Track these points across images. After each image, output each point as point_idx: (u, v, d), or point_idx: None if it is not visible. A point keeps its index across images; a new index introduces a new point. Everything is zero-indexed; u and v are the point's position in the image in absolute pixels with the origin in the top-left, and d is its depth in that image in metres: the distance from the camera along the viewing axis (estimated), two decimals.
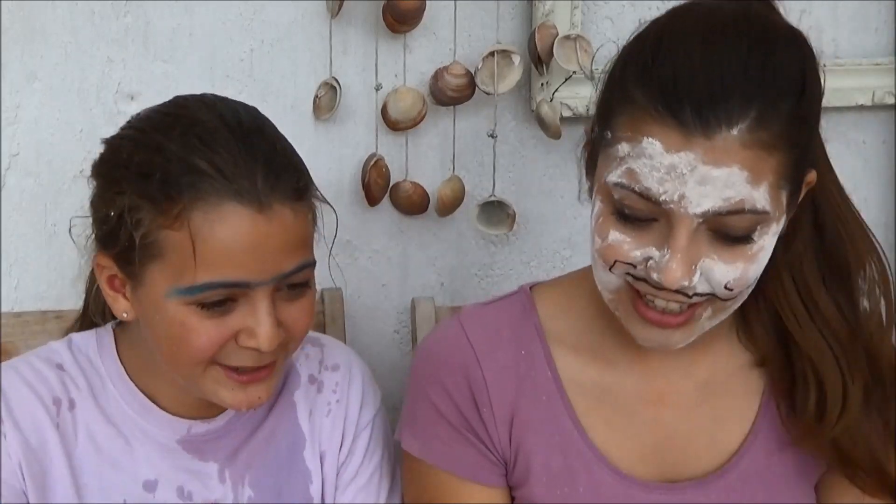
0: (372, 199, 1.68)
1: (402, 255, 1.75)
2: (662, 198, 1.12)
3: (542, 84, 1.68)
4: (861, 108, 1.76)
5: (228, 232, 1.15)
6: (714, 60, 1.13)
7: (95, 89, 1.62)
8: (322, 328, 1.65)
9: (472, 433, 1.29)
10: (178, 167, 1.16)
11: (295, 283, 1.20)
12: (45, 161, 1.63)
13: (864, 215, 1.81)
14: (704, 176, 1.11)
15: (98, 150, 1.62)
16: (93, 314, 1.35)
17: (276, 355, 1.22)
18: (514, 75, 1.66)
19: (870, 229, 1.30)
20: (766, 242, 1.16)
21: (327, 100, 1.66)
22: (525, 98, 1.72)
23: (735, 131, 1.11)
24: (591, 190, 1.23)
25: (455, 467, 1.30)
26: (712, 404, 1.30)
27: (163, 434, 1.28)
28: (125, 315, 1.24)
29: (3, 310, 1.62)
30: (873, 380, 1.26)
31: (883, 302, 1.28)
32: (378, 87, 1.67)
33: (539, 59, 1.65)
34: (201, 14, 1.63)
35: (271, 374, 1.23)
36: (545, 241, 1.79)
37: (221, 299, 1.17)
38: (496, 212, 1.72)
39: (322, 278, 1.68)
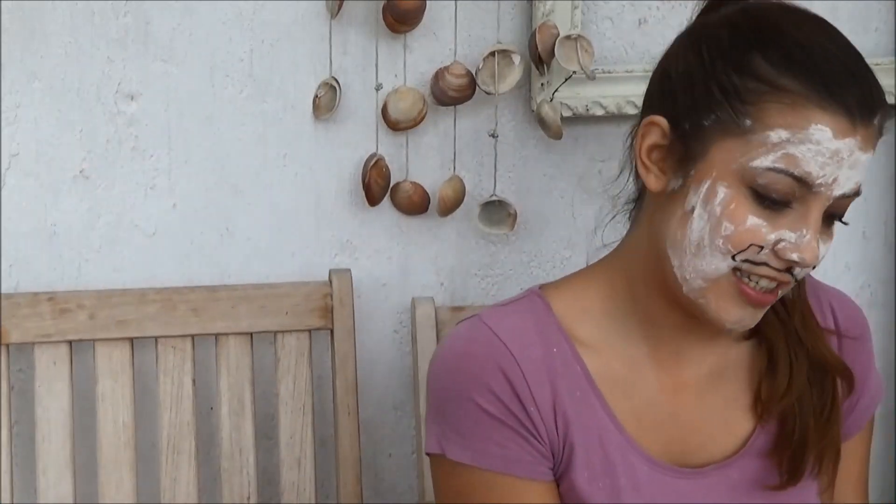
0: (372, 199, 1.68)
1: (402, 255, 1.75)
2: (819, 181, 1.18)
3: (542, 84, 1.68)
4: None
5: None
6: (842, 47, 1.22)
7: (95, 89, 1.62)
8: (330, 311, 1.65)
9: (523, 429, 1.28)
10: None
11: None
12: (45, 161, 1.63)
13: (863, 215, 1.83)
14: (856, 160, 1.18)
15: (97, 149, 1.63)
16: None
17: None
18: (514, 75, 1.66)
19: None
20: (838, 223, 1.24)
21: (327, 100, 1.66)
22: (525, 98, 1.72)
23: (876, 120, 1.20)
24: (678, 181, 1.24)
25: (514, 468, 1.27)
26: (724, 389, 1.33)
27: None
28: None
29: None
30: (811, 363, 1.32)
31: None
32: (378, 87, 1.67)
33: (539, 59, 1.65)
34: (201, 14, 1.63)
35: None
36: (545, 241, 1.79)
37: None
38: (497, 211, 1.71)
39: (324, 272, 1.69)
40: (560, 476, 1.30)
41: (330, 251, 1.72)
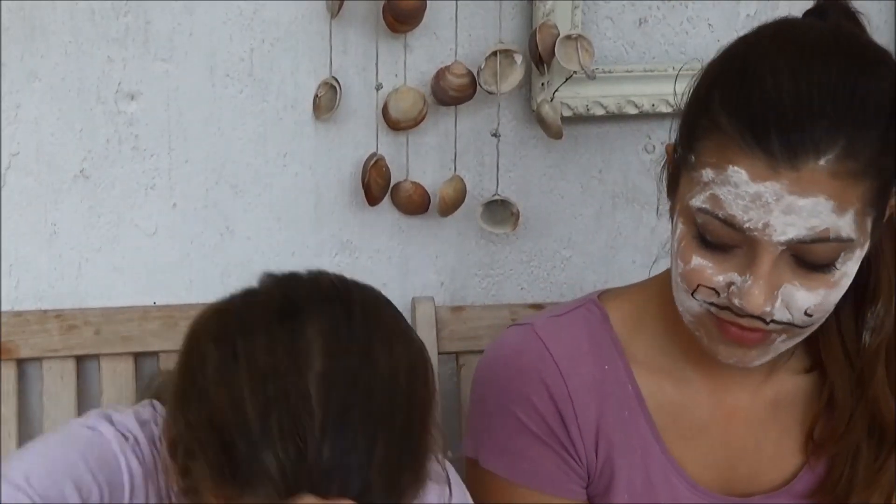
0: (372, 199, 1.68)
1: (403, 254, 1.75)
2: (746, 225, 1.11)
3: (542, 84, 1.68)
4: None
5: None
6: (802, 87, 1.11)
7: (95, 89, 1.62)
8: None
9: (558, 444, 1.26)
10: (244, 450, 0.95)
11: None
12: (45, 161, 1.63)
13: None
14: (790, 205, 1.09)
15: (97, 149, 1.62)
16: None
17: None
18: (515, 75, 1.66)
19: None
20: (848, 269, 1.14)
21: (327, 99, 1.66)
22: (525, 98, 1.72)
23: (823, 161, 1.09)
24: (672, 209, 1.21)
25: (544, 485, 1.27)
26: (779, 420, 1.30)
27: None
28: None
29: (3, 309, 1.62)
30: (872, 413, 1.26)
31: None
32: (378, 87, 1.66)
33: (540, 59, 1.65)
34: (201, 14, 1.63)
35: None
36: (545, 240, 1.78)
37: None
38: (499, 211, 1.71)
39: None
40: (598, 493, 1.28)
41: (330, 251, 1.72)
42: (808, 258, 1.12)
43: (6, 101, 1.60)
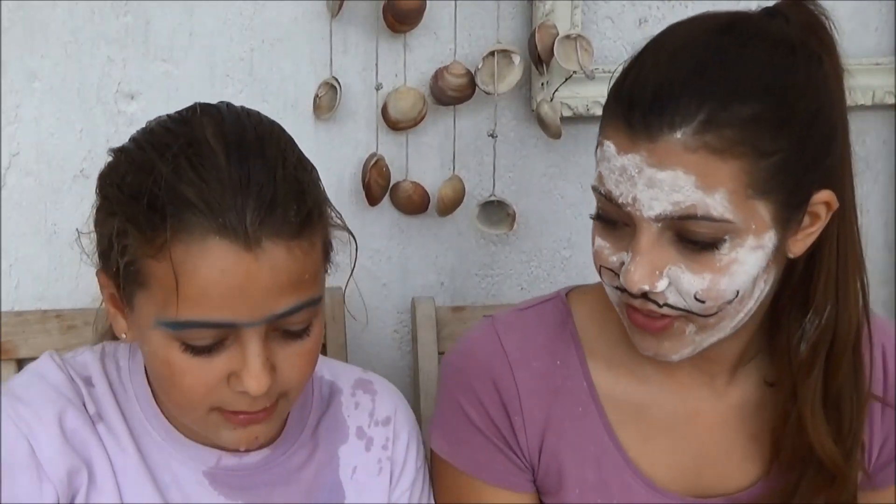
0: (372, 199, 1.68)
1: (402, 254, 1.75)
2: (620, 200, 1.13)
3: (542, 84, 1.68)
4: (861, 108, 1.76)
5: (212, 269, 1.06)
6: (675, 63, 1.13)
7: (95, 89, 1.62)
8: (323, 327, 1.65)
9: (501, 440, 1.29)
10: (165, 194, 1.07)
11: (293, 330, 1.12)
12: (45, 161, 1.63)
13: (863, 215, 1.82)
14: (651, 178, 1.11)
15: (97, 149, 1.63)
16: None
17: (269, 400, 1.13)
18: (514, 75, 1.66)
19: (862, 280, 1.25)
20: (740, 256, 1.13)
21: (327, 99, 1.66)
22: (525, 98, 1.72)
23: (679, 134, 1.10)
24: None
25: (483, 473, 1.29)
26: (748, 425, 1.30)
27: (189, 463, 1.21)
28: (123, 336, 1.17)
29: (3, 310, 1.62)
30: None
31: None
32: (378, 87, 1.67)
33: (539, 59, 1.65)
34: (201, 14, 1.63)
35: (269, 417, 1.15)
36: (545, 240, 1.79)
37: (209, 344, 1.09)
38: (496, 211, 1.71)
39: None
40: (553, 490, 1.30)
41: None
42: (688, 237, 1.13)
43: (6, 101, 1.60)
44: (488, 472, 1.29)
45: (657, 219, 1.12)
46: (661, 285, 1.14)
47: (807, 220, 1.18)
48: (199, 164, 1.08)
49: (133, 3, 1.61)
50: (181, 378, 1.10)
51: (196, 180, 1.07)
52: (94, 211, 1.16)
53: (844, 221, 1.21)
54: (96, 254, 1.17)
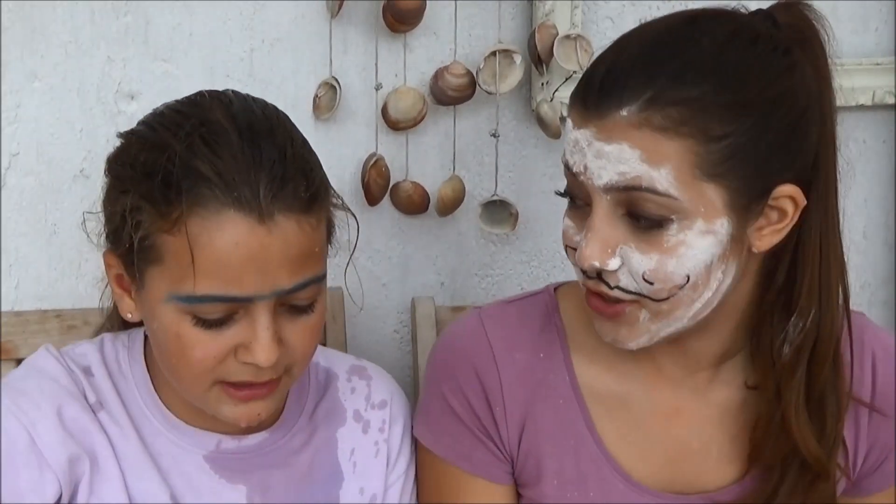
0: (372, 199, 1.68)
1: (402, 255, 1.75)
2: (574, 169, 1.17)
3: (542, 84, 1.68)
4: (861, 108, 1.76)
5: (227, 242, 1.10)
6: (630, 46, 1.17)
7: (95, 89, 1.62)
8: (323, 327, 1.65)
9: (482, 431, 1.30)
10: (180, 170, 1.11)
11: (299, 305, 1.16)
12: (45, 161, 1.63)
13: (863, 215, 1.83)
14: (599, 150, 1.15)
15: (97, 149, 1.63)
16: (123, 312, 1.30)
17: (276, 373, 1.17)
18: (515, 75, 1.66)
19: (843, 286, 1.25)
20: (688, 238, 1.15)
21: (327, 99, 1.66)
22: (525, 98, 1.72)
23: (625, 112, 1.13)
24: None
25: (463, 463, 1.31)
26: (728, 424, 1.30)
27: (189, 448, 1.23)
28: (129, 315, 1.20)
29: (3, 309, 1.62)
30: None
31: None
32: (378, 87, 1.67)
33: (539, 59, 1.65)
34: (201, 14, 1.63)
35: (272, 391, 1.18)
36: (545, 240, 1.79)
37: (220, 317, 1.12)
38: (498, 211, 1.71)
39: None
40: (531, 482, 1.31)
41: (330, 250, 1.71)
42: (638, 212, 1.15)
43: (6, 101, 1.60)
44: (468, 461, 1.31)
45: (606, 189, 1.15)
46: (613, 264, 1.17)
47: (774, 215, 1.18)
48: (213, 140, 1.12)
49: (133, 3, 1.61)
50: (191, 351, 1.13)
51: (210, 156, 1.11)
52: (104, 192, 1.20)
53: (827, 224, 1.21)
54: (103, 235, 1.20)
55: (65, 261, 1.65)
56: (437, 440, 1.32)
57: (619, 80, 1.14)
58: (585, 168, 1.16)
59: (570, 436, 1.29)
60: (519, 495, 1.33)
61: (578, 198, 1.19)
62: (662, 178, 1.13)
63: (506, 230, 1.72)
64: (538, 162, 1.75)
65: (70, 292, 1.65)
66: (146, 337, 1.26)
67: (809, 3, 1.22)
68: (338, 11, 1.62)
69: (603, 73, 1.16)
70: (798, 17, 1.20)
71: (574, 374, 1.30)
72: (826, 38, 1.21)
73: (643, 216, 1.15)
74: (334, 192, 1.22)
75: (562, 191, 1.22)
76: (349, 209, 1.23)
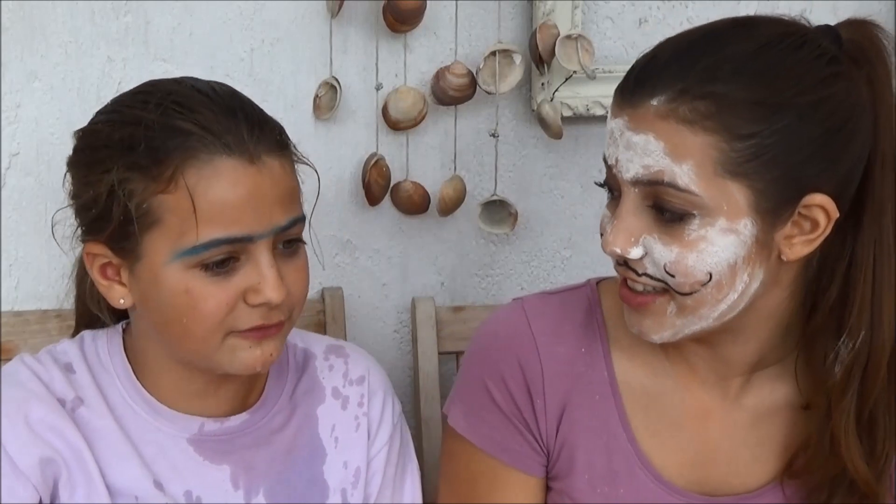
0: (372, 199, 1.68)
1: (403, 254, 1.75)
2: (609, 161, 1.18)
3: (542, 84, 1.68)
4: None
5: (224, 185, 1.16)
6: (675, 41, 1.19)
7: (95, 89, 1.62)
8: (323, 327, 1.66)
9: (521, 422, 1.30)
10: (162, 133, 1.16)
11: (290, 240, 1.21)
12: (45, 161, 1.63)
13: None
14: (629, 141, 1.16)
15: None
16: (94, 309, 1.34)
17: (283, 314, 1.21)
18: (515, 75, 1.66)
19: None
20: (709, 235, 1.15)
21: (327, 99, 1.66)
22: (526, 98, 1.72)
23: (654, 101, 1.14)
24: None
25: (499, 453, 1.30)
26: (759, 428, 1.30)
27: (172, 433, 1.26)
28: (122, 302, 1.23)
29: (3, 309, 1.62)
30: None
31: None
32: (378, 87, 1.67)
33: (540, 59, 1.65)
34: (201, 14, 1.63)
35: (281, 331, 1.22)
36: (545, 240, 1.79)
37: (224, 258, 1.17)
38: (498, 211, 1.71)
39: (322, 277, 1.69)
40: (562, 475, 1.31)
41: (330, 251, 1.72)
42: (662, 205, 1.16)
43: (6, 101, 1.60)
44: (505, 452, 1.30)
45: (633, 182, 1.17)
46: (635, 253, 1.18)
47: (805, 224, 1.17)
48: (185, 102, 1.19)
49: (133, 3, 1.60)
50: (203, 303, 1.17)
51: (189, 114, 1.18)
52: (74, 187, 1.26)
53: (881, 244, 1.20)
54: (78, 232, 1.25)
55: (65, 261, 1.65)
56: (474, 430, 1.31)
57: (656, 71, 1.16)
58: (617, 161, 1.17)
59: (603, 432, 1.29)
60: (548, 487, 1.33)
61: (615, 188, 1.21)
62: (683, 174, 1.14)
63: (506, 230, 1.72)
64: (538, 162, 1.75)
65: (70, 292, 1.65)
66: (124, 330, 1.30)
67: (879, 23, 1.21)
68: (338, 11, 1.62)
69: (643, 64, 1.18)
70: (864, 35, 1.20)
71: (613, 371, 1.30)
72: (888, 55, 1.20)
73: (667, 209, 1.16)
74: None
75: (601, 182, 1.23)
76: (308, 161, 1.28)
